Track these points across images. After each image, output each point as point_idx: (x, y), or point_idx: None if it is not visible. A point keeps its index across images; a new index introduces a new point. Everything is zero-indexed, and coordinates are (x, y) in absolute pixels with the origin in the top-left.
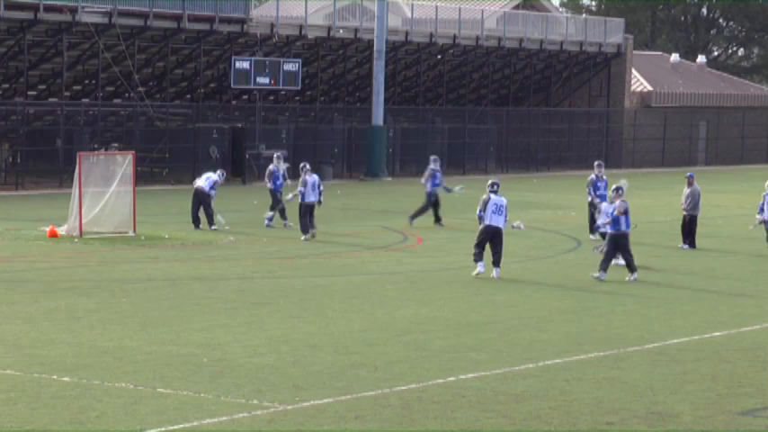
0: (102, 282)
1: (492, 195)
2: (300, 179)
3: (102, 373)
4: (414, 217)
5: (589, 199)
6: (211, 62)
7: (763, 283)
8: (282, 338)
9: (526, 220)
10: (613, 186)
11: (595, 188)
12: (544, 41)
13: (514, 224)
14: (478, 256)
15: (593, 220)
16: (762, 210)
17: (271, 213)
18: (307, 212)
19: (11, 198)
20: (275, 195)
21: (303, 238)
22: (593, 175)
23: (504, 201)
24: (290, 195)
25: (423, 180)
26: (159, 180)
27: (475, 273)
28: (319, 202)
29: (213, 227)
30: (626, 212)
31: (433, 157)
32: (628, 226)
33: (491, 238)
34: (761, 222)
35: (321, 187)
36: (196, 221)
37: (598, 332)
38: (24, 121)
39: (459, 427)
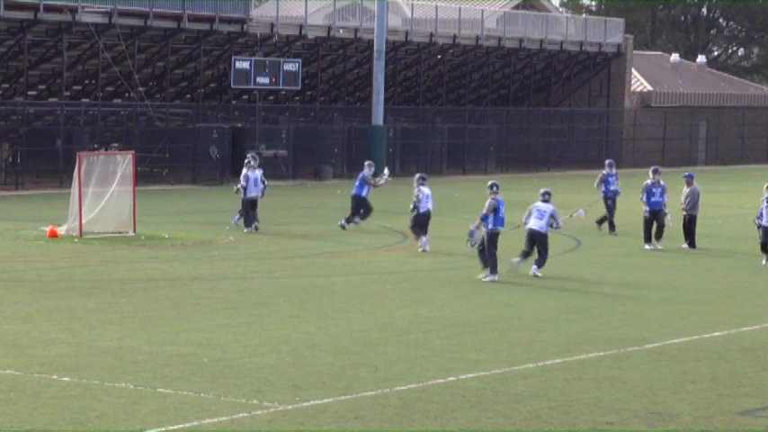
0: (102, 282)
1: (539, 203)
2: (242, 174)
3: (102, 373)
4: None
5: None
6: (211, 62)
7: (762, 283)
8: (282, 338)
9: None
10: (490, 183)
11: (606, 184)
12: (544, 41)
13: (575, 213)
14: (523, 255)
15: (650, 228)
16: (761, 215)
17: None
18: (249, 207)
19: (11, 198)
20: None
21: (246, 230)
22: (648, 181)
23: (550, 207)
24: (235, 189)
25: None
26: (159, 180)
27: (506, 270)
28: (260, 196)
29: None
30: (495, 210)
31: (367, 162)
32: (501, 224)
33: (534, 242)
34: (759, 227)
35: (265, 183)
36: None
37: (598, 332)
38: (24, 121)
39: (459, 427)
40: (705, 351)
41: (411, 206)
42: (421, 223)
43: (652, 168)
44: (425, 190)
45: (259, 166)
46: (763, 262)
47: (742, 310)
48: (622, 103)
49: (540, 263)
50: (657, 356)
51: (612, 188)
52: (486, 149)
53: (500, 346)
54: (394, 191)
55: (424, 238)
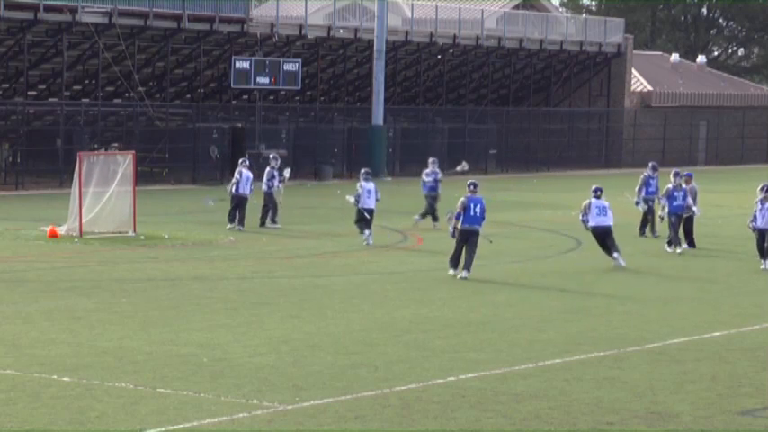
0: (102, 282)
1: (593, 200)
2: (237, 170)
3: (102, 373)
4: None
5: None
6: (211, 62)
7: (762, 283)
8: (282, 338)
9: (526, 220)
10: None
11: (647, 186)
12: (544, 41)
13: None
14: (609, 252)
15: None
16: (755, 218)
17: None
18: (237, 204)
19: (11, 198)
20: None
21: (228, 227)
22: (669, 185)
23: (606, 203)
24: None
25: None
26: (159, 180)
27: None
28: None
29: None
30: (465, 209)
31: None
32: (473, 222)
33: (604, 236)
34: (754, 230)
35: (252, 186)
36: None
37: (598, 332)
38: (24, 121)
39: (459, 427)
40: (705, 351)
41: (352, 200)
42: (361, 218)
43: (673, 171)
44: (367, 185)
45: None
46: (762, 266)
47: (742, 310)
48: (622, 103)
49: (618, 250)
50: (657, 356)
51: (650, 190)
52: (486, 149)
53: (500, 346)
54: (394, 191)
55: (366, 232)
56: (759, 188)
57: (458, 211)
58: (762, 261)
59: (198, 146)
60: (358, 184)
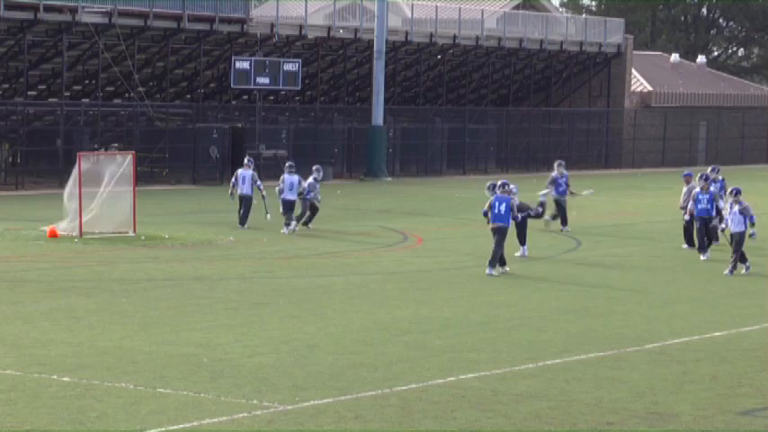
0: (102, 282)
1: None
2: (281, 177)
3: (102, 373)
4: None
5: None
6: (211, 62)
7: (762, 283)
8: (282, 338)
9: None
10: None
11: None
12: (544, 41)
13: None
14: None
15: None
16: (727, 221)
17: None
18: (242, 205)
19: (11, 198)
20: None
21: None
22: (696, 189)
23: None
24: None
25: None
26: (159, 180)
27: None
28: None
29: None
30: (490, 207)
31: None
32: (497, 221)
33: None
34: (730, 234)
35: (258, 182)
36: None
37: (598, 332)
38: (24, 121)
39: (459, 427)
40: (705, 351)
41: (276, 191)
42: (284, 210)
43: (700, 174)
44: (290, 178)
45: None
46: (743, 271)
47: (742, 310)
48: (622, 103)
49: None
50: (657, 356)
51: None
52: (487, 149)
53: (500, 346)
54: (394, 191)
55: (291, 225)
56: (729, 191)
57: (485, 209)
58: (739, 265)
59: (198, 146)
60: (281, 177)
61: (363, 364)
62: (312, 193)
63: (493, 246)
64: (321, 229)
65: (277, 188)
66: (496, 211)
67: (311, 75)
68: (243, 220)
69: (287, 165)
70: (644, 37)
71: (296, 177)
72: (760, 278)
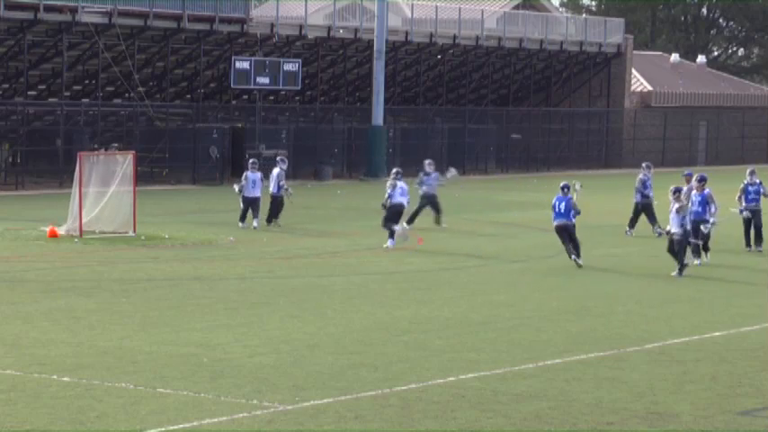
0: (102, 282)
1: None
2: (243, 174)
3: (102, 373)
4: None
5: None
6: (211, 62)
7: (762, 283)
8: (282, 338)
9: (526, 220)
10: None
11: (746, 194)
12: (544, 41)
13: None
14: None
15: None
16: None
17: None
18: (248, 205)
19: (11, 198)
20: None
21: (241, 226)
22: (743, 183)
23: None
24: (234, 187)
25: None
26: (159, 180)
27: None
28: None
29: None
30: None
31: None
32: (559, 218)
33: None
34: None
35: (282, 182)
36: None
37: (598, 332)
38: (24, 121)
39: (459, 427)
40: (705, 351)
41: (236, 189)
42: (246, 207)
43: (749, 169)
44: (253, 176)
45: (259, 168)
46: (674, 273)
47: (742, 310)
48: (622, 103)
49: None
50: (657, 356)
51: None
52: (487, 149)
53: (500, 346)
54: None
55: (254, 222)
56: (671, 189)
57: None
58: (676, 268)
59: (198, 146)
60: (244, 174)
61: (363, 364)
62: (283, 183)
63: (571, 241)
64: (321, 228)
65: (236, 186)
66: (557, 210)
67: (311, 75)
68: (254, 217)
69: (251, 162)
70: (644, 37)
71: (258, 174)
72: (760, 278)
